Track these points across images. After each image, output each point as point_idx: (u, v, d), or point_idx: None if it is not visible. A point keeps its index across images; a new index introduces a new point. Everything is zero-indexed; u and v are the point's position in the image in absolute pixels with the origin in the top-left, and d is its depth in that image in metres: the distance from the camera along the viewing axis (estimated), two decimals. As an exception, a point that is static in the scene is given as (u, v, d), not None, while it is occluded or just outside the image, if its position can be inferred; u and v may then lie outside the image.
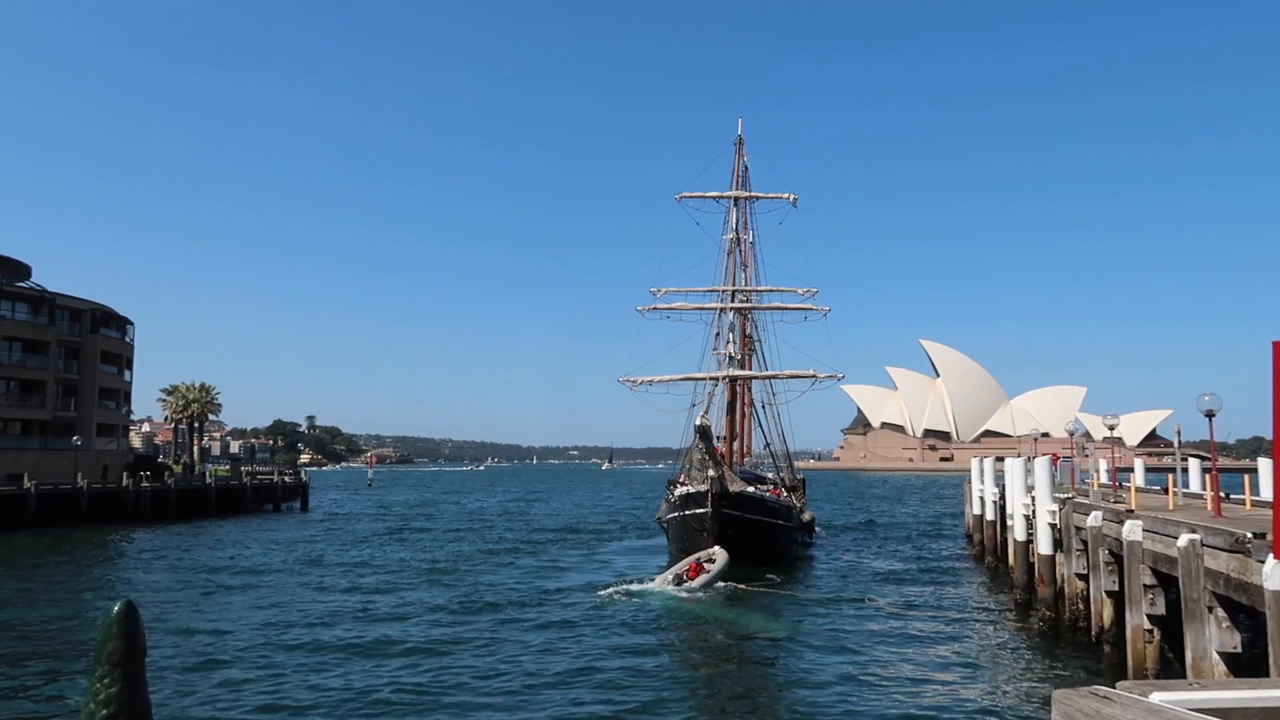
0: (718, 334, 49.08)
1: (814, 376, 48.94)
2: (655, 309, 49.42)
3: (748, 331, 51.90)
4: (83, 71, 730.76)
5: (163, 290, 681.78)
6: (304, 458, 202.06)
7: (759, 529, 37.34)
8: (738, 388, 50.70)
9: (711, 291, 49.95)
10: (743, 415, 54.22)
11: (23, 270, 71.42)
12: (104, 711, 2.12)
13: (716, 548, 35.10)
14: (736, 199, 50.56)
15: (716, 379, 48.18)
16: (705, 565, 33.13)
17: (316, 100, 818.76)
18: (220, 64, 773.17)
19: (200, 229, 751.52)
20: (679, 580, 31.74)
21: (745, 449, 55.84)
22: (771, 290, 52.21)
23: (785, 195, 50.99)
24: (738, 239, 50.28)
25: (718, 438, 45.76)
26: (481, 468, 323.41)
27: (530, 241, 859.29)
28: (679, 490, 40.25)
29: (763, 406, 53.55)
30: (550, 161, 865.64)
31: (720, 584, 31.82)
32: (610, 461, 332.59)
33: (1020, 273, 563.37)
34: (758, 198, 51.47)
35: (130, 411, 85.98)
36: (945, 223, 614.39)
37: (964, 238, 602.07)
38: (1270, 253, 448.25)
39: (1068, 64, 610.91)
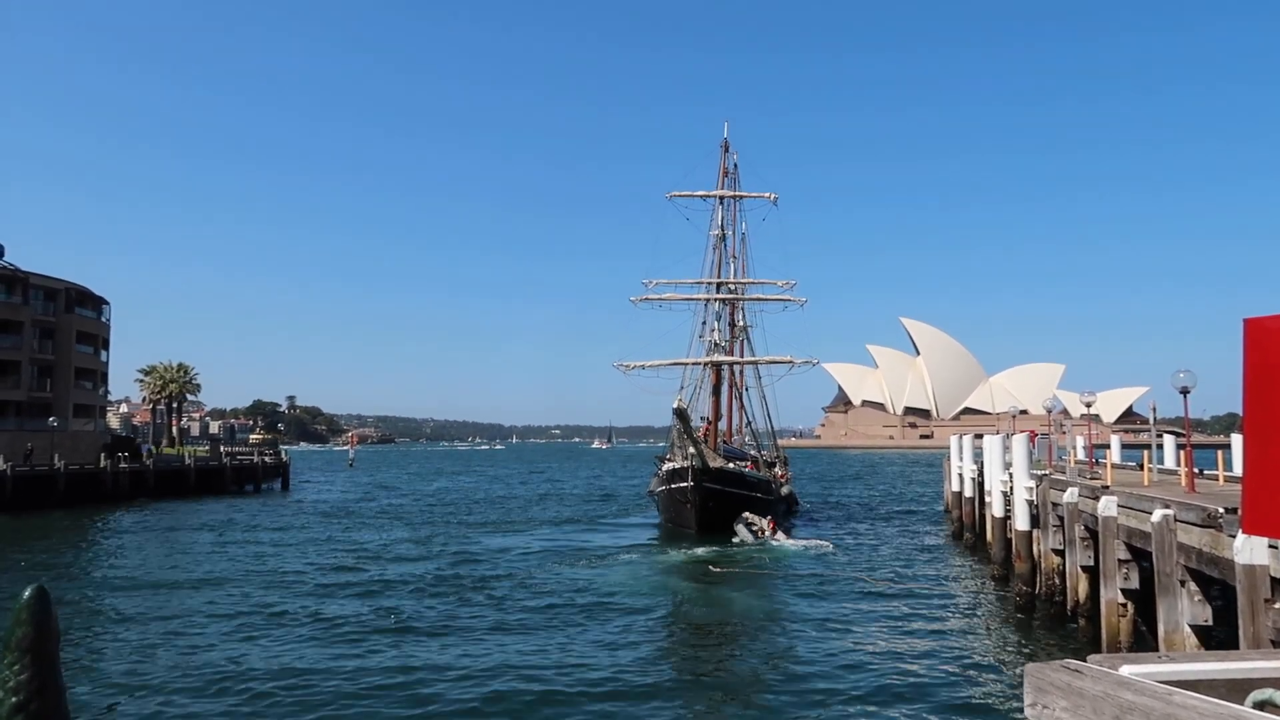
0: (704, 322, 52.79)
1: (790, 362, 53.10)
2: (647, 299, 53.22)
3: (736, 320, 55.60)
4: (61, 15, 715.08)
5: (140, 268, 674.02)
6: (254, 437, 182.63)
7: (738, 501, 39.76)
8: (724, 372, 54.10)
9: (699, 283, 53.72)
10: (730, 397, 56.98)
11: (-5, 249, 70.35)
12: (13, 699, 2.08)
13: None
14: (722, 197, 54.06)
15: (702, 364, 51.66)
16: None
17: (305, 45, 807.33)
18: (210, 14, 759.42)
19: (178, 203, 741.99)
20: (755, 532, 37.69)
21: (738, 428, 58.60)
22: (754, 282, 56.31)
23: (767, 195, 54.96)
24: (723, 235, 53.87)
25: (702, 418, 49.86)
26: (501, 446, 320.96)
27: (519, 224, 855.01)
28: (665, 466, 43.16)
29: (747, 388, 57.02)
30: (546, 156, 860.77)
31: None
32: (609, 440, 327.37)
33: (1001, 242, 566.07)
34: (742, 196, 54.99)
35: (107, 392, 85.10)
36: (925, 187, 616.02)
37: (944, 202, 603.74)
38: (1246, 227, 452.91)
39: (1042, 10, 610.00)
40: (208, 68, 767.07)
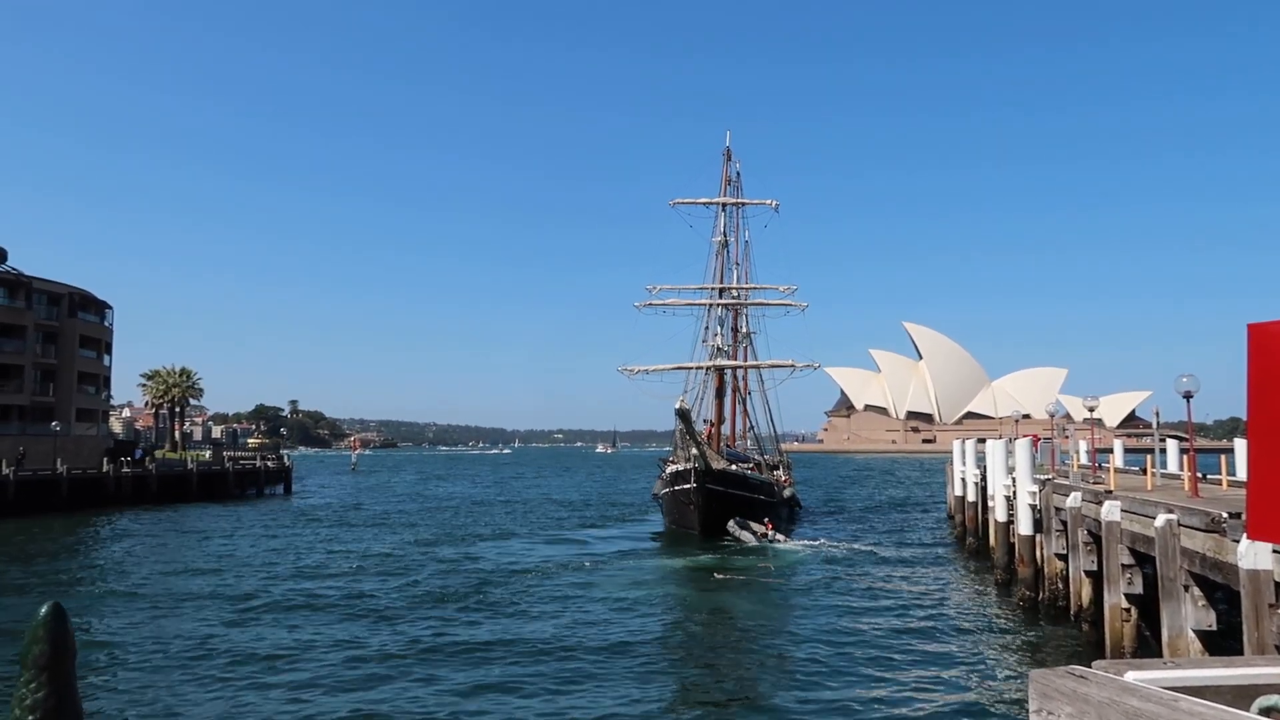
0: (706, 327, 53.44)
1: (792, 366, 53.95)
2: (651, 304, 53.76)
3: (739, 325, 56.41)
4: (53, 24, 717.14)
5: (143, 273, 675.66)
6: (253, 441, 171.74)
7: (741, 503, 40.33)
8: (727, 376, 54.52)
9: (702, 289, 54.49)
10: (734, 401, 57.61)
11: (-2, 253, 70.54)
12: (30, 717, 2.06)
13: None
14: (725, 204, 54.71)
15: (705, 368, 52.25)
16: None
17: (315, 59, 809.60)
18: (209, 21, 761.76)
19: (181, 208, 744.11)
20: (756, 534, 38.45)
21: (741, 432, 59.59)
22: (756, 288, 57.10)
23: (768, 201, 55.70)
24: (725, 241, 54.50)
25: (705, 421, 50.38)
26: (508, 451, 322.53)
27: (521, 231, 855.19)
28: (669, 469, 43.64)
29: (750, 393, 58.20)
30: (548, 164, 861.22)
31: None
32: (614, 444, 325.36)
33: (1003, 247, 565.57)
34: (744, 204, 55.57)
35: (110, 396, 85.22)
36: (927, 193, 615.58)
37: (947, 207, 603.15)
38: (1250, 232, 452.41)
39: (1044, 19, 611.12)
40: (210, 77, 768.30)
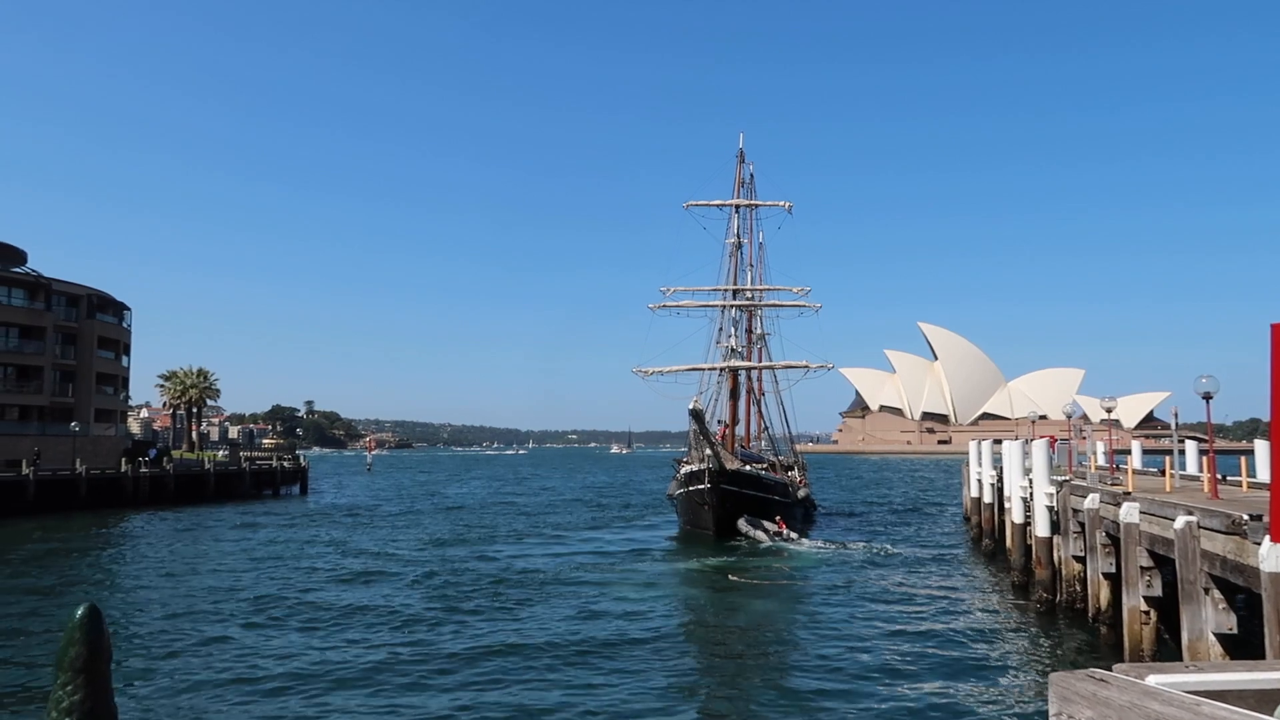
0: (720, 329, 53.57)
1: (806, 366, 54.09)
2: (665, 306, 54.00)
3: (753, 327, 56.76)
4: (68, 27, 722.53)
5: (160, 275, 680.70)
6: (267, 441, 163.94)
7: (754, 503, 40.54)
8: (741, 377, 54.69)
9: (715, 290, 54.53)
10: (748, 402, 57.66)
11: (18, 255, 71.17)
12: None
13: None
14: (738, 206, 54.98)
15: (719, 369, 52.41)
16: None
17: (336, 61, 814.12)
18: (221, 22, 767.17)
19: (198, 210, 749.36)
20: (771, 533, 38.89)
21: (758, 432, 59.50)
22: (770, 289, 57.42)
23: (781, 203, 55.84)
24: (739, 243, 54.71)
25: (720, 422, 50.47)
26: (524, 451, 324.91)
27: (530, 233, 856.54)
28: (683, 469, 43.72)
29: (764, 394, 58.16)
30: (558, 166, 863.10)
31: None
32: (629, 445, 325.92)
33: (1019, 248, 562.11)
34: (757, 205, 55.87)
35: (128, 397, 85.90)
36: (940, 194, 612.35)
37: (962, 209, 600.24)
38: (1269, 232, 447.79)
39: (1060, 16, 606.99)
40: (221, 79, 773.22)
